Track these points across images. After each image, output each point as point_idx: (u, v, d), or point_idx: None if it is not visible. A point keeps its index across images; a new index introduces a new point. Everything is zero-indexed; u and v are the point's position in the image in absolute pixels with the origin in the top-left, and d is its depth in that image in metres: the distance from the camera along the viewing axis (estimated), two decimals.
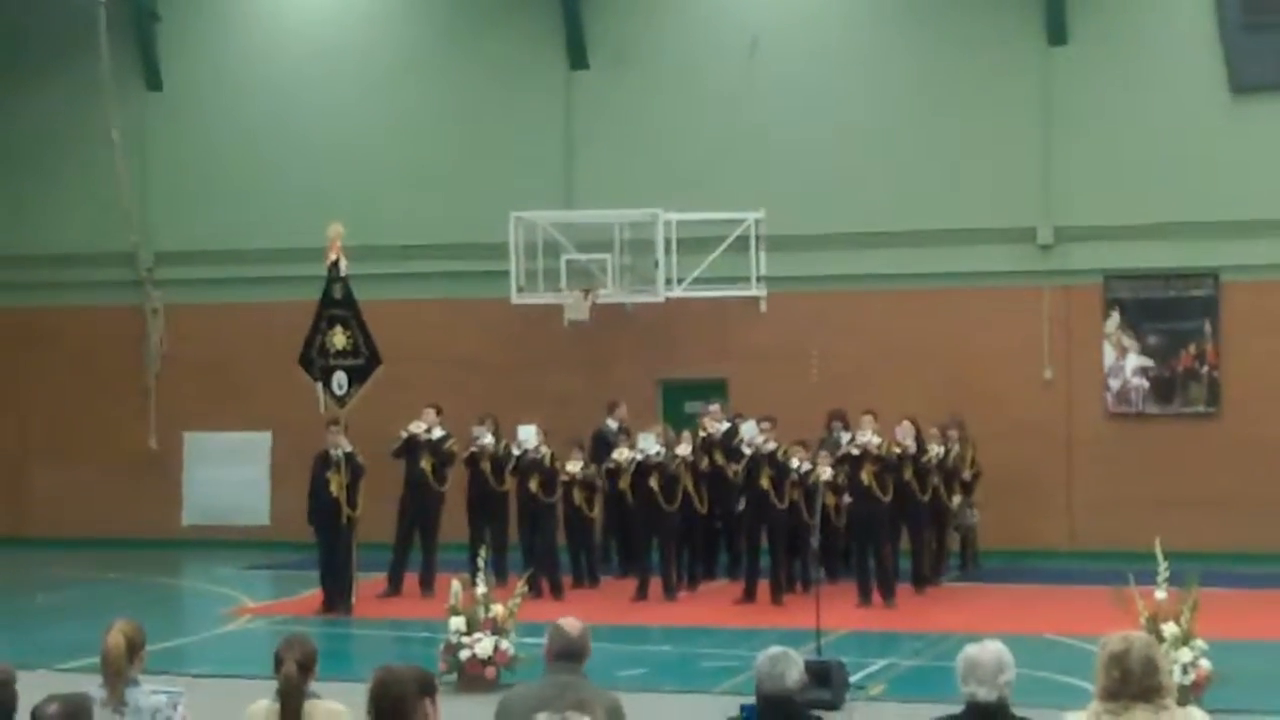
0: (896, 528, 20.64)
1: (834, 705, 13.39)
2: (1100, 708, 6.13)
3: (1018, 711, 6.62)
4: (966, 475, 22.56)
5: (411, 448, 21.20)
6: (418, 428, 21.24)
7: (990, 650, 6.56)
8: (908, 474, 20.54)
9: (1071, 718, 6.25)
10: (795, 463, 20.30)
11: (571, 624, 7.25)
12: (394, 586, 21.07)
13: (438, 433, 21.32)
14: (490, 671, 15.01)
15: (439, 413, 21.47)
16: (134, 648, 7.61)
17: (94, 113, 26.72)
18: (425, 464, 21.14)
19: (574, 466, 21.59)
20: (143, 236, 27.54)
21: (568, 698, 6.84)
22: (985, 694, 6.46)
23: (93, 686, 7.48)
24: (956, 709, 6.59)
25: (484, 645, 15.15)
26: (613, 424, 23.29)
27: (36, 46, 28.06)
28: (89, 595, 21.60)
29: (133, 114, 27.29)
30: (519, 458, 21.18)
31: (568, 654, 7.17)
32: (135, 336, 27.82)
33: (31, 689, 7.28)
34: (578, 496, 21.67)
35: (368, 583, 20.81)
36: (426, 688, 6.52)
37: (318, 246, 21.07)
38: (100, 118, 26.44)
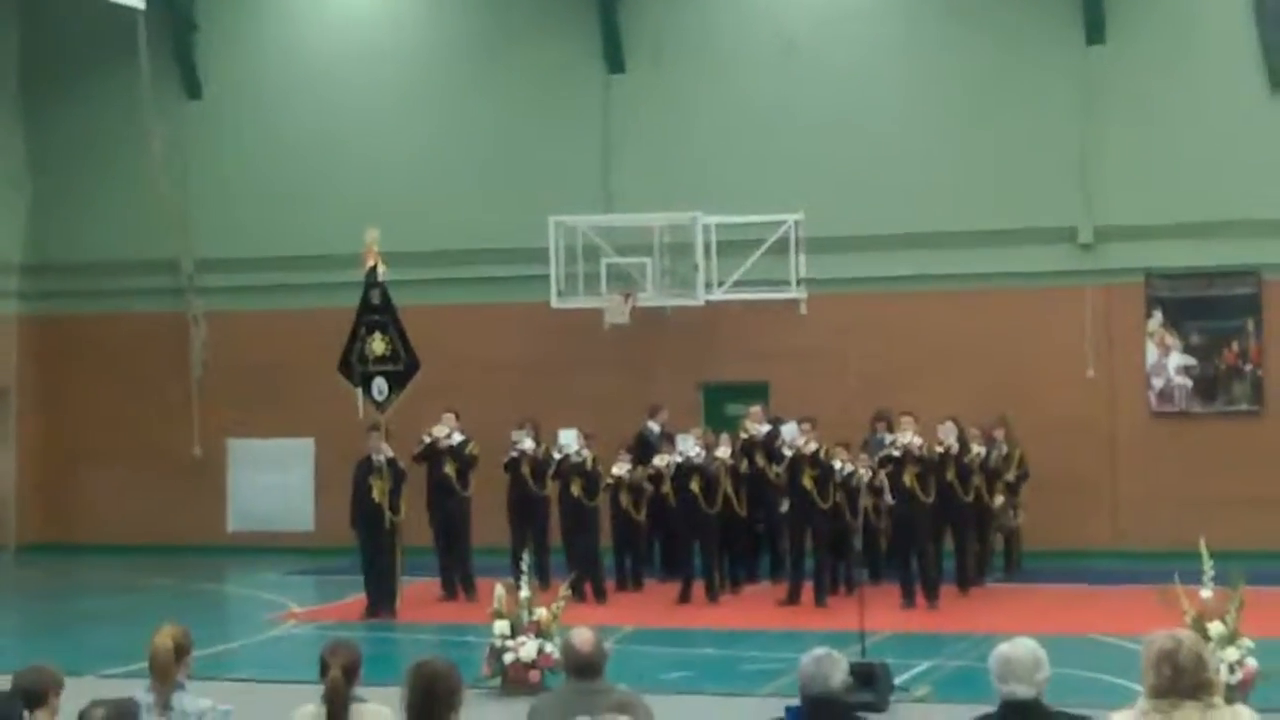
0: (939, 529, 20.59)
1: (878, 707, 13.38)
2: (1148, 705, 6.10)
3: (1064, 710, 6.59)
4: (1011, 476, 22.48)
5: (433, 453, 21.25)
6: (440, 432, 21.30)
7: (1024, 647, 6.54)
8: (950, 474, 20.49)
9: (1118, 717, 6.22)
10: (837, 464, 20.28)
11: (583, 639, 7.26)
12: (449, 590, 21.15)
13: (457, 437, 21.37)
14: (534, 675, 15.02)
15: (458, 417, 21.52)
16: (181, 652, 7.65)
17: (134, 121, 26.87)
18: (449, 469, 21.21)
19: (621, 469, 21.59)
20: (184, 244, 27.65)
21: (605, 700, 6.85)
22: (1025, 691, 6.43)
23: (139, 691, 7.51)
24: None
25: (528, 649, 15.17)
26: (654, 427, 23.29)
27: (76, 56, 28.22)
28: (134, 601, 21.72)
29: (173, 122, 27.40)
30: (560, 462, 21.20)
31: (583, 670, 7.21)
32: (178, 343, 27.92)
33: (77, 695, 7.33)
34: (625, 499, 21.67)
35: (412, 587, 20.88)
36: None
37: (358, 252, 21.12)
38: (140, 126, 26.60)
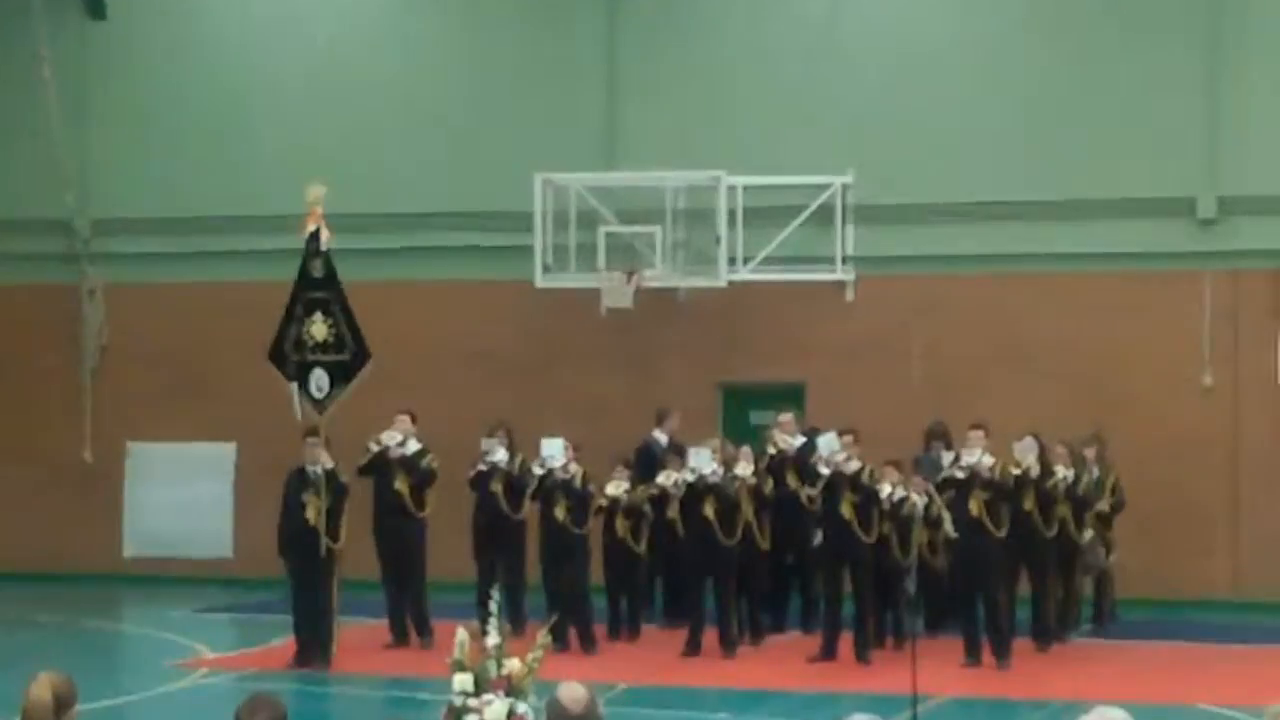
0: (1013, 569, 20.62)
1: None
2: None
3: None
4: (1105, 506, 22.48)
5: (382, 465, 21.29)
6: (391, 439, 21.33)
7: None
8: (1028, 503, 20.53)
9: None
10: (886, 488, 20.32)
11: (573, 698, 7.32)
12: (398, 635, 21.20)
13: (413, 446, 21.40)
14: None
15: (414, 420, 21.54)
16: (63, 706, 7.69)
17: (20, 44, 26.92)
18: (401, 485, 21.23)
19: (617, 489, 21.62)
20: (80, 199, 27.69)
21: None
22: None
23: None
24: None
25: (495, 709, 15.15)
26: (661, 437, 23.34)
27: None
28: (8, 642, 21.76)
29: (69, 46, 27.45)
30: (542, 478, 21.25)
31: None
32: (68, 323, 27.96)
33: None
34: (621, 526, 21.72)
35: (352, 630, 20.91)
36: None
37: (295, 213, 21.18)
38: (28, 50, 26.63)
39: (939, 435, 22.38)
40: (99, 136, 27.94)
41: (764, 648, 21.28)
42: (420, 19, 27.08)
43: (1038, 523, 20.74)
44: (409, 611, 21.26)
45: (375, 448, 21.29)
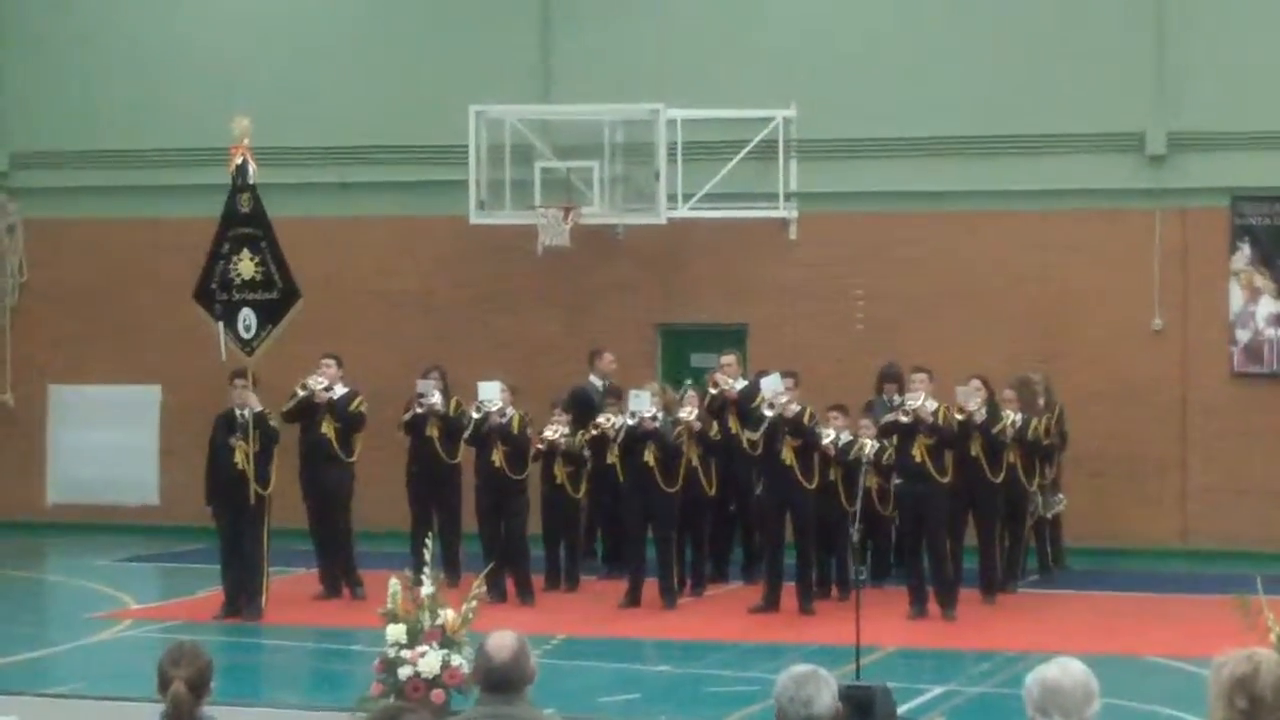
0: (960, 517, 20.67)
1: None
2: None
3: None
4: (1043, 442, 22.25)
5: (309, 409, 21.17)
6: (317, 383, 21.20)
7: (1074, 673, 6.56)
8: (975, 448, 20.56)
9: None
10: (830, 433, 20.32)
11: (500, 644, 7.30)
12: (330, 585, 21.11)
13: (340, 390, 21.27)
14: (438, 695, 15.01)
15: (339, 364, 21.40)
16: None
17: None
18: (328, 429, 21.08)
19: (555, 433, 21.57)
20: None
21: None
22: None
23: None
24: None
25: (430, 660, 15.17)
26: (596, 380, 23.29)
27: None
28: None
29: None
30: (478, 422, 21.18)
31: (496, 684, 7.24)
32: None
33: None
34: (559, 472, 21.68)
35: (282, 580, 20.86)
36: None
37: (222, 147, 21.05)
38: None
39: (892, 378, 22.33)
40: (17, 65, 27.73)
41: (705, 598, 21.32)
42: None
43: (984, 469, 20.74)
44: (338, 561, 21.18)
45: (302, 392, 21.17)
